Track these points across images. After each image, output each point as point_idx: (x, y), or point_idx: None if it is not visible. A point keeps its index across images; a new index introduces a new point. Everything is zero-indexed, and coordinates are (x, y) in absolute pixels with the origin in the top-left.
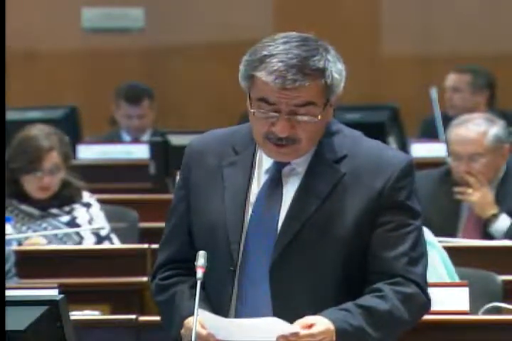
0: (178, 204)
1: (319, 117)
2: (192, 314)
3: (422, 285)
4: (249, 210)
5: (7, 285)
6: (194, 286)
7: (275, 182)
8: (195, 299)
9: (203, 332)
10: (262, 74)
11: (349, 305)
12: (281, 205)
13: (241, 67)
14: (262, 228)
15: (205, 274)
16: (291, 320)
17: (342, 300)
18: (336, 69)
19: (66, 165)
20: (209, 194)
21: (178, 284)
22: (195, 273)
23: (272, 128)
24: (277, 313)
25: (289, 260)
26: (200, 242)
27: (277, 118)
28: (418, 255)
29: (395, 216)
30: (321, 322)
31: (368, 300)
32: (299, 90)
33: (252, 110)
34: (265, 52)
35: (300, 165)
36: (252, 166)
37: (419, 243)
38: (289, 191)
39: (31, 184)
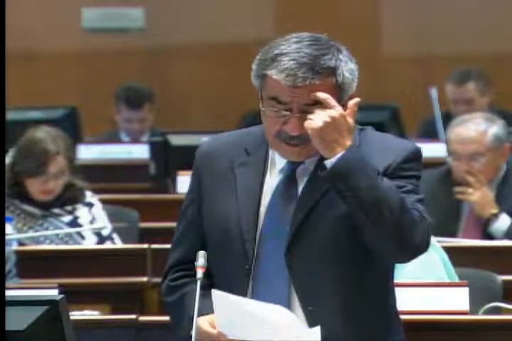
0: (188, 207)
1: None
2: (201, 314)
3: (428, 218)
4: (263, 209)
5: (7, 285)
6: (204, 287)
7: (289, 182)
8: (203, 299)
9: (213, 331)
10: (273, 73)
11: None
12: (295, 205)
13: (253, 66)
14: (277, 227)
15: (217, 274)
16: (317, 304)
17: (365, 277)
18: (348, 68)
19: (70, 168)
20: (221, 194)
21: (187, 285)
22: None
23: (283, 127)
24: (302, 300)
25: (303, 244)
26: (212, 243)
27: (289, 117)
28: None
29: (398, 182)
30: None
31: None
32: (309, 88)
33: (264, 109)
34: (277, 51)
35: (313, 164)
36: (264, 166)
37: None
38: (302, 186)
39: (35, 187)
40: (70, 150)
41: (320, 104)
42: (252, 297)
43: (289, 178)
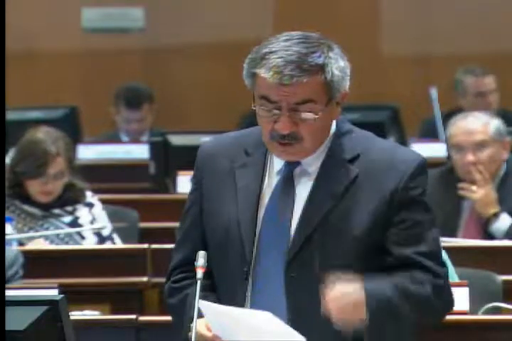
0: (191, 208)
1: (320, 114)
2: (200, 316)
3: (449, 284)
4: (262, 211)
5: (8, 285)
6: (205, 288)
7: (287, 183)
8: (203, 300)
9: (208, 334)
10: (261, 71)
11: (385, 283)
12: (293, 206)
13: (244, 65)
14: (275, 229)
15: (217, 275)
16: (306, 320)
17: None
18: (337, 66)
19: (70, 168)
20: (222, 196)
21: (189, 286)
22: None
23: (275, 126)
24: (294, 315)
25: (303, 261)
26: (213, 244)
27: (279, 116)
28: (438, 250)
29: (412, 213)
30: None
31: (404, 281)
32: (297, 86)
33: (256, 108)
34: (266, 50)
35: (311, 165)
36: (263, 167)
37: (437, 238)
38: (301, 192)
39: (35, 188)
40: (70, 151)
41: (310, 102)
42: (251, 300)
43: (287, 180)
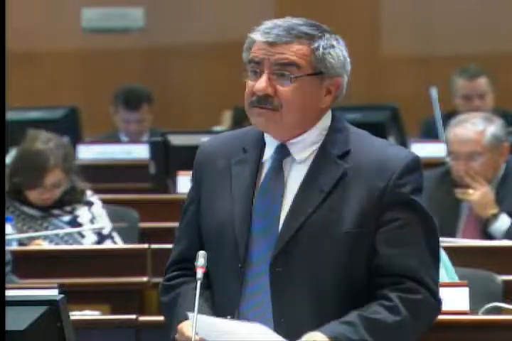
0: (189, 205)
1: (299, 81)
2: (187, 318)
3: (432, 288)
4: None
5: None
6: (200, 286)
7: (276, 173)
8: (194, 300)
9: (195, 338)
10: (252, 35)
11: (354, 317)
12: (282, 199)
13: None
14: (265, 223)
15: (213, 273)
16: (290, 317)
17: (344, 299)
18: (331, 46)
19: (69, 176)
20: (218, 193)
21: (182, 285)
22: (195, 273)
23: (254, 88)
24: (277, 310)
25: (289, 256)
26: (209, 241)
27: (260, 76)
28: (429, 254)
29: (402, 213)
30: None
31: (375, 311)
32: (282, 47)
33: (244, 74)
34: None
35: (299, 154)
36: (258, 163)
37: (430, 240)
38: (292, 185)
39: (33, 196)
40: (70, 160)
41: (292, 66)
42: (241, 295)
43: (276, 169)
